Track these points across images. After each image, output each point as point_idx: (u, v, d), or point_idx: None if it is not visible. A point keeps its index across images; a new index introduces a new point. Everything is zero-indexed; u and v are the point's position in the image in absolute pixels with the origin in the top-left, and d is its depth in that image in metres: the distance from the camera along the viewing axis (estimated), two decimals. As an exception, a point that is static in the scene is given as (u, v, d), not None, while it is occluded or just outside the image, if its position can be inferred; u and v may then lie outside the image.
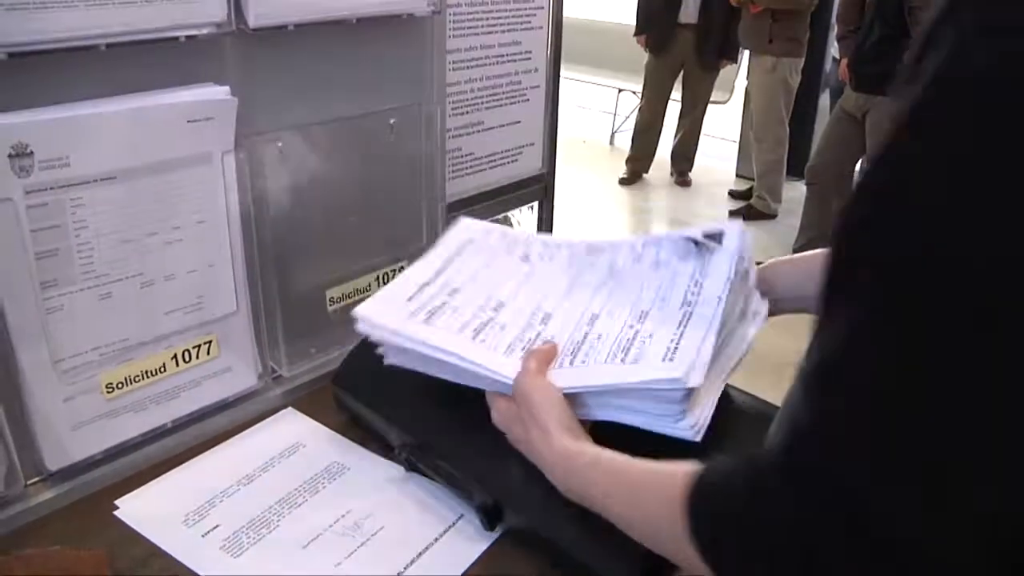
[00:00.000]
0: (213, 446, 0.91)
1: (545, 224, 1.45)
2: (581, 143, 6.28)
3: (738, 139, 5.33)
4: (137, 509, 0.82)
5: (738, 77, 5.38)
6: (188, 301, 0.86)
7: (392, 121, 1.02)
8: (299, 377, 1.00)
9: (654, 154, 5.24)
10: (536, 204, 1.44)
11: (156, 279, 0.83)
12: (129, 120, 0.76)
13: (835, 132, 3.50)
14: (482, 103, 1.22)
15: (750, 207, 4.59)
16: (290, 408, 0.98)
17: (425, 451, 0.83)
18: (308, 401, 0.99)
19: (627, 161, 5.27)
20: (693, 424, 0.69)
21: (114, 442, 0.84)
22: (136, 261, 0.80)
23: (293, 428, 0.95)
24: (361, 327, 0.82)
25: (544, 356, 0.73)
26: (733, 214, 4.63)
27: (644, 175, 5.27)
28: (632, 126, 5.37)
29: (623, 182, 5.18)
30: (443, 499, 0.82)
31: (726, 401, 0.81)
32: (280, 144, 0.91)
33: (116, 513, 0.81)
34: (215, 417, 0.94)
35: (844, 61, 3.46)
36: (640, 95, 5.15)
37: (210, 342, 0.89)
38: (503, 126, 1.27)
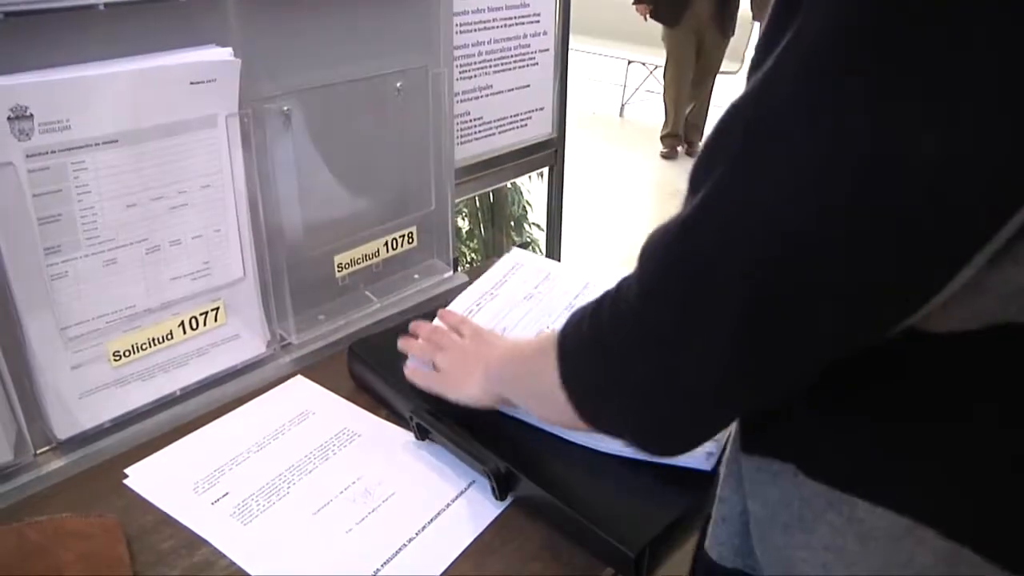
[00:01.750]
0: (222, 414, 0.91)
1: (555, 190, 1.43)
2: (591, 115, 6.22)
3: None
4: (146, 477, 0.81)
5: (748, 47, 5.30)
6: (195, 267, 0.85)
7: (399, 84, 1.00)
8: (308, 344, 0.99)
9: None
10: (547, 170, 1.42)
11: (162, 244, 0.81)
12: (130, 82, 0.74)
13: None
14: (490, 67, 1.20)
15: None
16: (299, 376, 0.97)
17: (438, 417, 0.82)
18: (317, 368, 0.98)
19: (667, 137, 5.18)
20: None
21: (123, 411, 0.84)
22: (141, 226, 0.79)
23: (303, 395, 0.94)
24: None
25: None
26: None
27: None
28: (642, 97, 5.30)
29: (665, 156, 5.12)
30: (454, 466, 0.81)
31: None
32: (286, 108, 0.89)
33: (126, 482, 0.81)
34: (224, 385, 0.93)
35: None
36: (664, 68, 5.05)
37: (217, 309, 0.88)
38: (512, 90, 1.25)
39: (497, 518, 0.76)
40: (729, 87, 5.11)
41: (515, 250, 1.06)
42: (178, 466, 0.83)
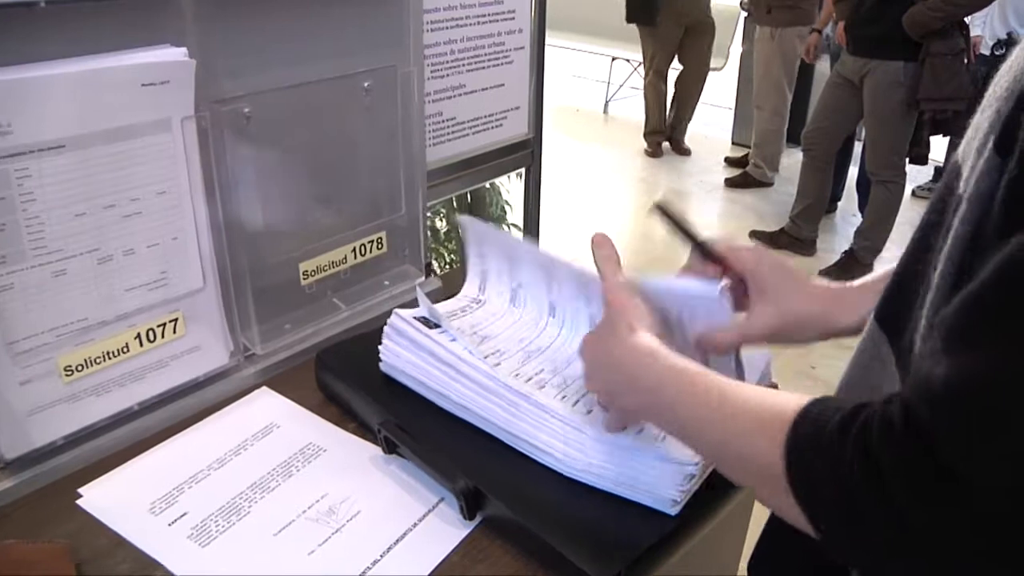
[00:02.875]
0: (183, 429, 0.87)
1: (532, 191, 1.40)
2: (575, 112, 6.19)
3: (734, 106, 5.25)
4: (101, 497, 0.78)
5: (733, 43, 5.29)
6: (151, 277, 0.81)
7: (367, 84, 0.97)
8: (274, 355, 0.96)
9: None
10: (524, 171, 1.40)
11: (114, 254, 0.78)
12: (76, 84, 0.70)
13: (832, 98, 3.42)
14: (463, 65, 1.16)
15: (746, 175, 4.53)
16: (264, 387, 0.94)
17: (406, 432, 0.79)
18: (283, 380, 0.95)
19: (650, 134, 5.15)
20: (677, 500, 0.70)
21: (76, 427, 0.80)
22: (92, 235, 0.76)
23: (267, 408, 0.91)
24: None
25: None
26: (729, 181, 4.57)
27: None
28: (626, 94, 5.27)
29: (650, 154, 5.09)
30: (423, 482, 0.78)
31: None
32: (246, 110, 0.86)
33: (79, 502, 0.77)
34: (185, 398, 0.89)
35: (841, 24, 3.38)
36: (647, 64, 5.01)
37: (176, 320, 0.85)
38: (486, 89, 1.22)
39: (467, 537, 0.73)
40: (713, 83, 5.10)
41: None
42: (135, 485, 0.80)
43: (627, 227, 4.11)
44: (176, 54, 0.76)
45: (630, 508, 0.70)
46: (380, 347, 0.86)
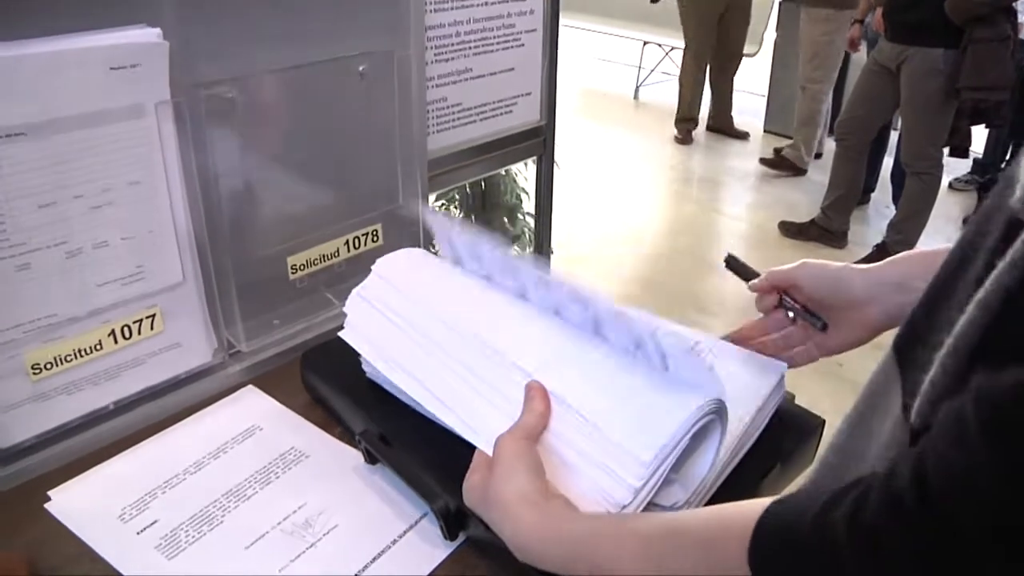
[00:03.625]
0: (164, 429, 0.83)
1: (545, 181, 1.34)
2: (604, 97, 6.10)
3: (767, 94, 5.12)
4: (71, 501, 0.74)
5: (767, 29, 5.16)
6: (125, 271, 0.77)
7: (362, 68, 0.91)
8: (261, 352, 0.92)
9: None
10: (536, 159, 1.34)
11: (84, 247, 0.74)
12: (38, 67, 0.66)
13: (867, 86, 3.30)
14: (469, 48, 1.11)
15: (782, 157, 4.42)
16: (251, 386, 0.90)
17: (387, 443, 0.74)
18: (271, 378, 0.91)
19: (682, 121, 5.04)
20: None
21: (46, 427, 0.76)
22: (59, 227, 0.71)
23: (252, 409, 0.86)
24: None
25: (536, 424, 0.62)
26: (764, 160, 4.46)
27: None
28: (657, 79, 5.17)
29: (680, 141, 4.98)
30: (406, 494, 0.73)
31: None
32: (230, 95, 0.81)
33: (48, 506, 0.73)
34: (166, 397, 0.85)
35: (879, 10, 3.26)
36: (686, 46, 4.90)
37: (153, 316, 0.81)
38: (494, 74, 1.16)
39: (447, 559, 0.68)
40: (747, 69, 4.98)
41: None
42: (106, 489, 0.76)
43: (655, 215, 4.03)
44: (148, 35, 0.71)
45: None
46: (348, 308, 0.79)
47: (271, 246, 0.88)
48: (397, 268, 0.78)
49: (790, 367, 0.80)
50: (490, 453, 0.62)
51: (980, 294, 0.38)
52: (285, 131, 0.87)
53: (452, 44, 1.08)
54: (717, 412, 0.62)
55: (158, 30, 0.72)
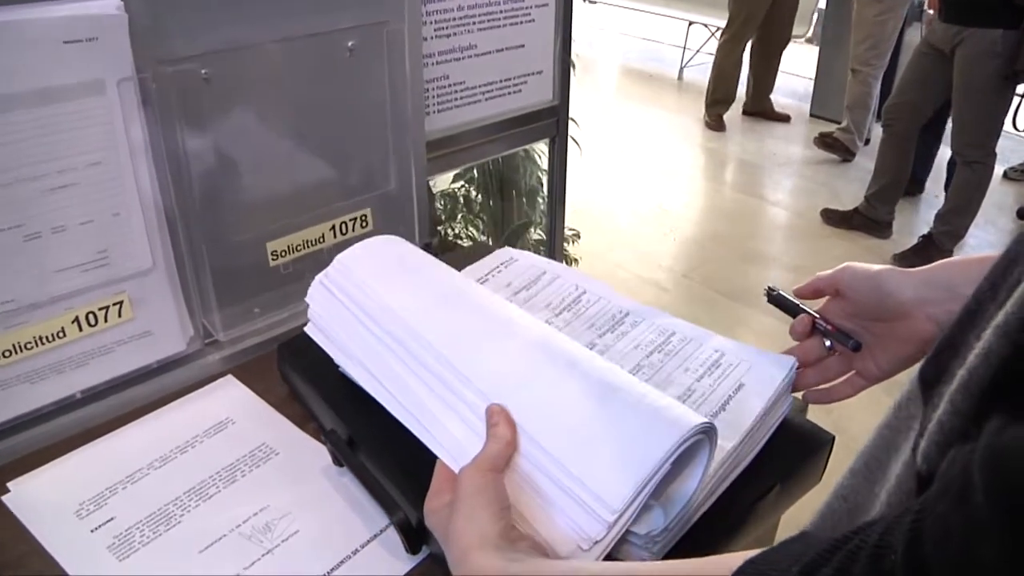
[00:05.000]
0: (137, 418, 0.80)
1: (558, 164, 1.28)
2: (647, 78, 5.97)
3: (814, 77, 4.95)
4: (29, 494, 0.71)
5: (814, 11, 4.99)
6: (87, 256, 0.74)
7: (351, 44, 0.86)
8: (242, 340, 0.88)
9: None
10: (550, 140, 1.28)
11: (43, 231, 0.70)
12: (-16, 39, 0.62)
13: (918, 70, 3.15)
14: (473, 23, 1.05)
15: (835, 139, 4.26)
16: (230, 376, 0.86)
17: (353, 447, 0.69)
18: (250, 368, 0.87)
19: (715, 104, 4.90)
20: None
21: (7, 416, 0.74)
22: (13, 210, 0.68)
23: (226, 401, 0.83)
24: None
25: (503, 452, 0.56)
26: (817, 142, 4.31)
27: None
28: (702, 60, 5.03)
29: (710, 127, 4.85)
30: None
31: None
32: (204, 72, 0.77)
33: (5, 498, 0.71)
34: (139, 386, 0.82)
35: (934, -12, 3.11)
36: (729, 26, 4.75)
37: (121, 303, 0.77)
38: (501, 51, 1.10)
39: (412, 572, 0.63)
40: (791, 50, 4.82)
41: (506, 248, 0.91)
42: (67, 481, 0.73)
43: (691, 199, 3.93)
44: (106, 6, 0.67)
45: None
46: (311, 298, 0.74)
47: (248, 231, 0.84)
48: (367, 255, 0.73)
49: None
50: (453, 467, 0.57)
51: (1000, 318, 0.31)
52: (266, 111, 0.82)
53: (454, 19, 1.02)
54: (705, 433, 0.56)
55: (118, 1, 0.68)
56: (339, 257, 0.73)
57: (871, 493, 0.44)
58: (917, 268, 0.67)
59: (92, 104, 0.69)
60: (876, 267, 0.69)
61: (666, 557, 0.60)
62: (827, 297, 0.73)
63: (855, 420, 2.08)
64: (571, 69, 1.24)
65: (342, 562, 0.64)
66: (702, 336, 0.77)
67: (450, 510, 0.52)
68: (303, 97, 0.85)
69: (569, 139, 1.31)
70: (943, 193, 3.52)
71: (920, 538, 0.29)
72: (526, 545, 0.51)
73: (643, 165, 4.30)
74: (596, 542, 0.52)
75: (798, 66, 5.35)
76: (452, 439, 0.58)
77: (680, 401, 0.61)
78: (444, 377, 0.61)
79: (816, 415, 0.77)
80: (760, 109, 4.92)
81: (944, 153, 3.66)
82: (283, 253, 0.87)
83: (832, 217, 3.52)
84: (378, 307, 0.67)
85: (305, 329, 0.73)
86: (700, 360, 0.74)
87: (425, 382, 0.61)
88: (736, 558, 0.38)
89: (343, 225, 0.92)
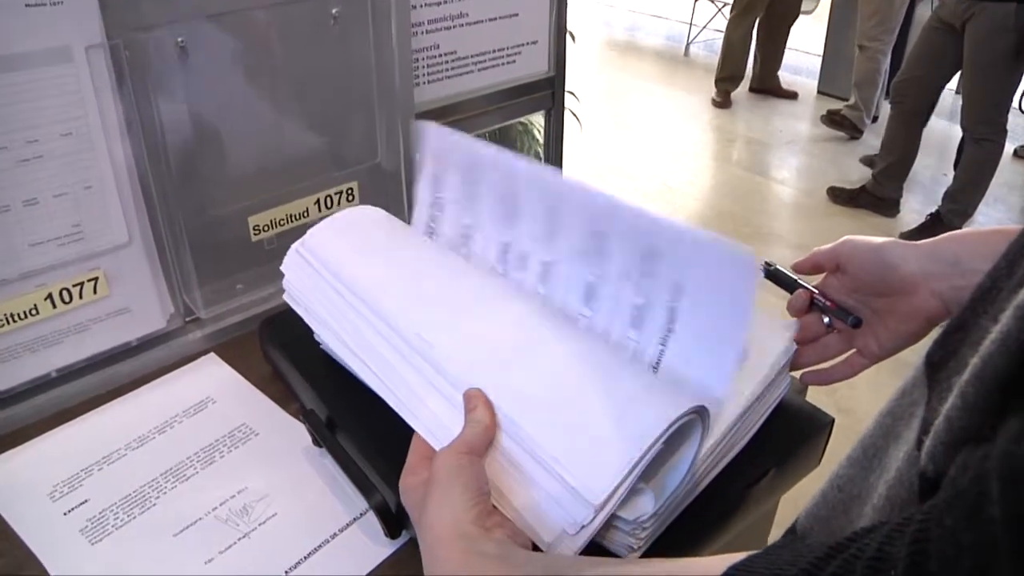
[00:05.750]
0: (117, 397, 0.78)
1: (554, 136, 1.25)
2: (653, 54, 5.90)
3: (823, 53, 4.88)
4: (1, 476, 0.69)
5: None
6: (60, 231, 0.71)
7: (335, 11, 0.83)
8: (224, 318, 0.86)
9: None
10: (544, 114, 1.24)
11: (12, 204, 0.68)
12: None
13: (928, 45, 3.09)
14: (464, -8, 1.01)
15: (842, 116, 4.21)
16: (212, 354, 0.84)
17: (333, 425, 0.67)
18: (234, 346, 0.85)
19: (724, 81, 4.83)
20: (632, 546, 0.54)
21: (-22, 395, 0.72)
22: (-20, 182, 0.65)
23: (208, 379, 0.81)
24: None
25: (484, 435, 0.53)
26: (824, 120, 4.26)
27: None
28: (708, 37, 4.95)
29: (718, 104, 4.77)
30: (354, 481, 0.67)
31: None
32: (180, 39, 0.74)
33: (-21, 479, 0.69)
34: (119, 365, 0.80)
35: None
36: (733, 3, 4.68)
37: (96, 279, 0.75)
38: (494, 20, 1.06)
39: (389, 558, 0.61)
40: (799, 26, 4.75)
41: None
42: (42, 462, 0.71)
43: (695, 176, 3.88)
44: (71, -33, 0.64)
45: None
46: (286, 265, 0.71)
47: (228, 205, 0.82)
48: (345, 225, 0.70)
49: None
50: (431, 441, 0.55)
51: (1020, 297, 0.28)
52: (246, 81, 0.80)
53: (444, -14, 0.99)
54: (697, 413, 0.53)
55: (85, -38, 0.65)
56: (316, 227, 0.70)
57: (868, 483, 0.41)
58: (921, 241, 0.64)
59: (59, 72, 0.66)
60: (878, 240, 0.66)
61: (656, 543, 0.58)
62: (826, 272, 0.70)
63: (860, 402, 2.06)
64: (567, 39, 1.20)
65: (320, 546, 0.62)
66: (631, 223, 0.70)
67: (424, 490, 0.50)
68: (285, 67, 0.83)
69: (568, 112, 1.28)
70: (951, 171, 3.47)
71: (925, 555, 0.26)
72: (503, 533, 0.48)
73: (648, 142, 4.25)
74: (583, 527, 0.50)
75: (806, 42, 5.27)
76: (430, 413, 0.56)
77: (633, 326, 0.59)
78: (423, 351, 0.58)
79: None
80: (767, 86, 4.85)
81: (953, 131, 3.60)
82: (266, 228, 0.85)
83: (839, 195, 3.48)
84: (354, 278, 0.64)
85: (283, 297, 0.71)
86: (633, 259, 0.67)
87: (402, 354, 0.59)
88: (718, 562, 0.35)
89: (328, 199, 0.89)
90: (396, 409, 0.58)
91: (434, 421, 0.55)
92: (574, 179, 0.64)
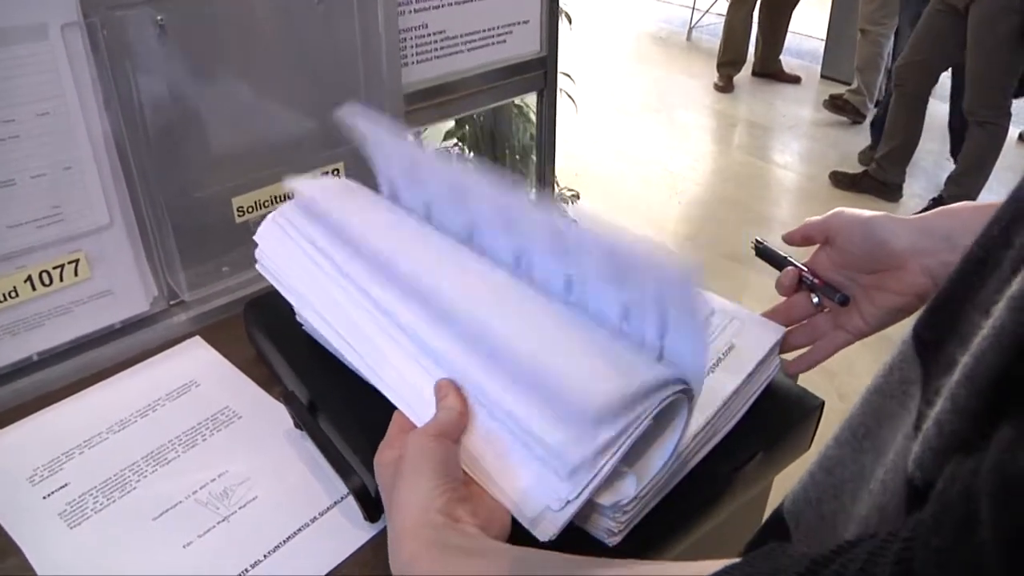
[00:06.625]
0: (100, 381, 0.77)
1: (547, 117, 1.24)
2: (656, 39, 5.86)
3: (826, 36, 4.84)
4: (-18, 458, 0.69)
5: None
6: (40, 212, 0.70)
7: (319, -10, 0.82)
8: (210, 300, 0.85)
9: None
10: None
11: (-12, 185, 0.67)
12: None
13: (930, 28, 3.05)
14: (453, -30, 1.00)
15: (845, 101, 4.18)
16: (197, 337, 0.83)
17: (314, 408, 0.66)
18: (219, 329, 0.84)
19: (725, 65, 4.79)
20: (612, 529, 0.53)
21: (-42, 378, 0.71)
22: (-44, 162, 0.65)
23: (192, 363, 0.80)
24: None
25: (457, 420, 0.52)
26: (827, 105, 4.23)
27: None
28: (712, 21, 4.91)
29: (720, 89, 4.73)
30: (335, 465, 0.66)
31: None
32: (159, 18, 0.73)
33: (-42, 463, 0.68)
34: (101, 348, 0.79)
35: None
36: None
37: (77, 261, 0.74)
38: None
39: (369, 542, 0.61)
40: (802, 9, 4.71)
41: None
42: (22, 446, 0.70)
43: (697, 161, 3.86)
44: (44, -57, 0.63)
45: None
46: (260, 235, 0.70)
47: (211, 186, 0.81)
48: (323, 194, 0.69)
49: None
50: (409, 415, 0.54)
51: (1016, 287, 0.25)
52: (228, 60, 0.78)
53: (432, -36, 0.97)
54: (684, 393, 0.52)
55: (58, -63, 0.64)
56: (292, 199, 0.69)
57: (861, 465, 0.39)
58: (912, 216, 0.62)
59: (34, 50, 0.65)
60: (868, 213, 0.64)
61: (641, 527, 0.57)
62: (817, 245, 0.68)
63: (860, 388, 2.05)
64: (564, 22, 1.19)
65: (300, 530, 0.62)
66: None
67: (395, 470, 0.49)
68: (268, 46, 0.81)
69: (563, 94, 1.26)
70: (951, 156, 3.44)
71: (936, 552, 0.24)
72: (474, 523, 0.47)
73: (650, 127, 4.23)
74: (568, 501, 0.49)
75: (809, 27, 5.23)
76: (408, 386, 0.55)
77: (624, 319, 0.58)
78: (402, 322, 0.57)
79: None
80: (770, 70, 4.82)
81: (940, 112, 3.55)
82: (250, 209, 0.84)
83: (841, 180, 3.46)
84: (332, 247, 0.63)
85: (256, 267, 0.70)
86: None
87: (380, 326, 0.58)
88: (696, 568, 0.34)
89: (314, 181, 0.88)
90: (372, 381, 0.57)
91: (413, 394, 0.54)
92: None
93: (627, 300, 0.53)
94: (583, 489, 0.49)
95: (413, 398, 0.54)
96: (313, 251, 0.64)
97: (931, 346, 0.34)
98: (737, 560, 0.32)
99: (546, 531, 0.49)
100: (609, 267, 0.52)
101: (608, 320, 0.57)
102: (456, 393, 0.52)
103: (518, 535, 0.49)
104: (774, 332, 0.68)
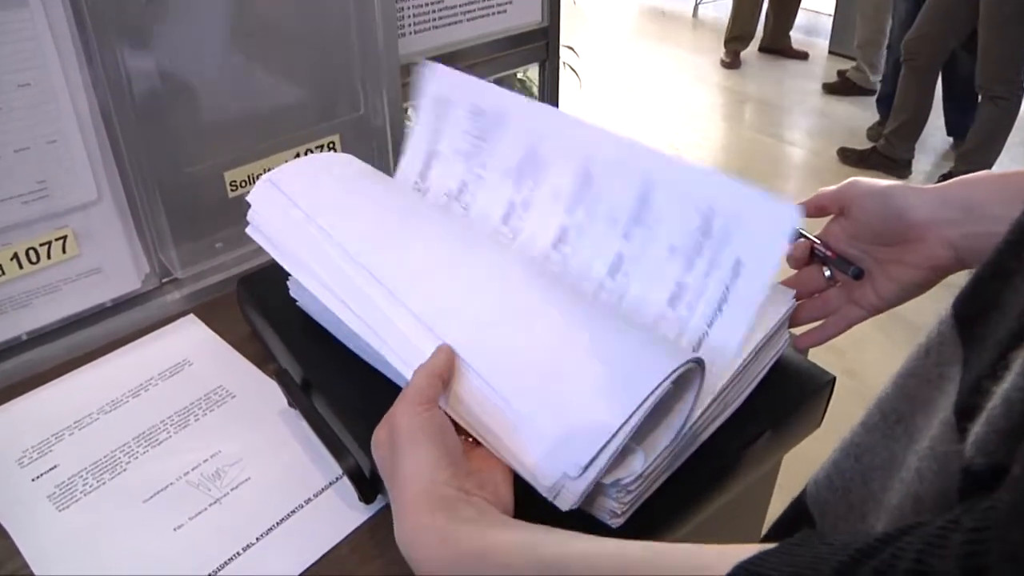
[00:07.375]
0: (89, 361, 0.76)
1: (549, 89, 1.21)
2: (661, 15, 5.79)
3: (833, 12, 4.77)
4: (-31, 441, 0.67)
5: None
6: (24, 188, 0.68)
7: (312, -44, 0.79)
8: (204, 277, 0.83)
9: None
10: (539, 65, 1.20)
11: (-30, 158, 0.65)
12: None
13: (941, 1, 3.00)
14: (451, -63, 0.97)
15: (846, 80, 4.13)
16: (191, 315, 0.81)
17: (308, 386, 0.64)
18: (213, 307, 0.82)
19: (733, 41, 4.72)
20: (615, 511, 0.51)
21: (-57, 358, 0.69)
22: (-65, 134, 0.62)
23: (185, 341, 0.78)
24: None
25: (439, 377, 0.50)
26: (828, 87, 4.18)
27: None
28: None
29: (727, 65, 4.67)
30: (331, 445, 0.64)
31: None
32: (146, -17, 0.70)
33: (-54, 444, 0.67)
34: (92, 327, 0.78)
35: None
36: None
37: (65, 238, 0.72)
38: (484, -32, 1.02)
39: (364, 524, 0.59)
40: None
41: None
42: (11, 428, 0.69)
43: (704, 138, 3.82)
44: (21, -97, 0.60)
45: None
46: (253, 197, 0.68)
47: (203, 160, 0.78)
48: (322, 164, 0.67)
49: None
50: (410, 376, 0.52)
51: None
52: (218, 29, 0.76)
53: (430, -69, 0.94)
54: (697, 363, 0.50)
55: (35, -102, 0.61)
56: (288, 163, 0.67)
57: (892, 453, 0.37)
58: (931, 186, 0.60)
59: (12, 19, 0.63)
60: (884, 182, 0.62)
61: (647, 505, 0.55)
62: (831, 216, 0.66)
63: (867, 365, 2.02)
64: (566, -5, 1.16)
65: (294, 511, 0.60)
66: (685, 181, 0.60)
67: (391, 445, 0.47)
68: (260, 16, 0.79)
69: (567, 68, 1.23)
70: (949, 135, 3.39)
71: (981, 574, 0.21)
72: (483, 496, 0.46)
73: (657, 104, 4.18)
74: (586, 467, 0.47)
75: (818, 2, 5.15)
76: (412, 347, 0.53)
77: (670, 305, 0.56)
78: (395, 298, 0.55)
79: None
80: (778, 46, 4.75)
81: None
82: (243, 183, 0.81)
83: (850, 156, 3.41)
84: (327, 212, 0.61)
85: (248, 231, 0.67)
86: (687, 228, 0.58)
87: (381, 290, 0.56)
88: (722, 554, 0.31)
89: (308, 152, 0.85)
90: (371, 342, 0.55)
91: (416, 356, 0.52)
92: (615, 133, 0.61)
93: (689, 276, 0.53)
94: (599, 451, 0.47)
95: (417, 360, 0.52)
96: (310, 212, 0.62)
97: (975, 322, 0.32)
98: (771, 546, 0.29)
99: (566, 500, 0.47)
100: (699, 215, 0.54)
101: (649, 307, 0.55)
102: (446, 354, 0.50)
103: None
104: (785, 298, 0.65)
